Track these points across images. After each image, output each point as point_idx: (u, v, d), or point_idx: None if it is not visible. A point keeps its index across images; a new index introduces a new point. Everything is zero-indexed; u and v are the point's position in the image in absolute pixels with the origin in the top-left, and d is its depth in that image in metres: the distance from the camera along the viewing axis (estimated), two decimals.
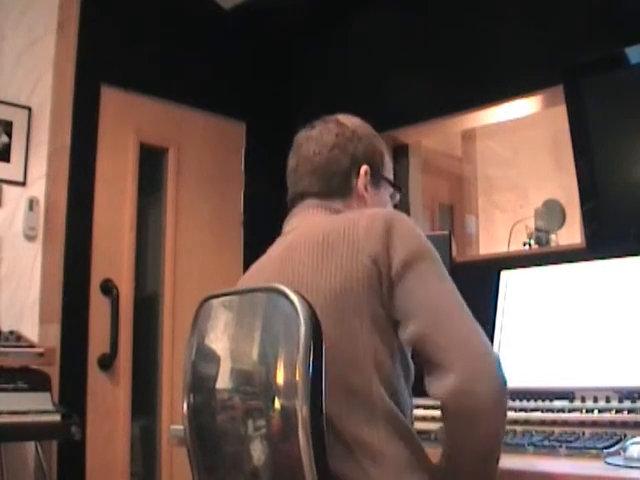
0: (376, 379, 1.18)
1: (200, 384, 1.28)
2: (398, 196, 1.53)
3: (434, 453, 1.25)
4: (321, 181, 1.44)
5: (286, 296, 1.13)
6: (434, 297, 1.19)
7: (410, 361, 1.28)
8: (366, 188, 1.43)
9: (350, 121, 1.48)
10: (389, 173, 1.50)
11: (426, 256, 1.22)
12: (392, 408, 1.19)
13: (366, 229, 1.23)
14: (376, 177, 1.46)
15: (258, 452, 1.15)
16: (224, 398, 1.23)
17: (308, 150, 1.47)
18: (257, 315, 1.22)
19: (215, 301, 1.30)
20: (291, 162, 1.54)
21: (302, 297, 1.13)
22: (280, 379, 1.12)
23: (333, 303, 1.20)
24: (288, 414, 1.09)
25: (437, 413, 1.88)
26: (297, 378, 1.07)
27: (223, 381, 1.25)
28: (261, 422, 1.14)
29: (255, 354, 1.20)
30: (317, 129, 1.47)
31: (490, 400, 1.12)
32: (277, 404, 1.11)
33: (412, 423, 1.28)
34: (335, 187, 1.42)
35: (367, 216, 1.27)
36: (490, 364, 1.14)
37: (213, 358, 1.27)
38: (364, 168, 1.43)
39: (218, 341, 1.28)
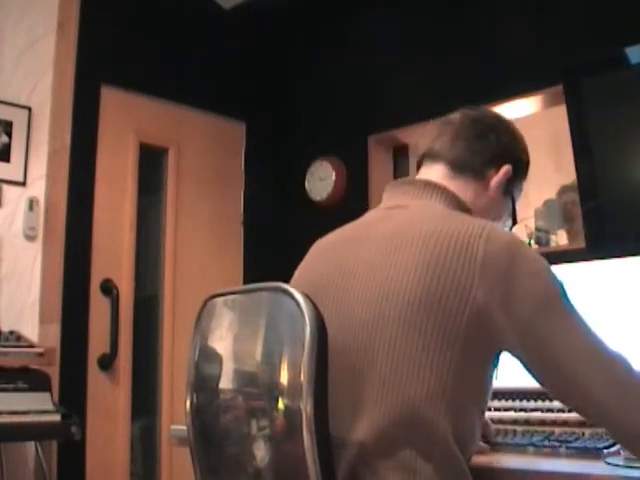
0: (444, 417, 1.09)
1: (203, 384, 1.28)
2: (511, 228, 1.41)
3: None
4: (462, 148, 1.32)
5: (291, 295, 1.11)
6: (566, 357, 1.09)
7: (489, 394, 1.21)
8: (497, 187, 1.33)
9: (512, 123, 1.41)
10: (517, 200, 1.40)
11: (554, 304, 1.11)
12: (451, 447, 1.10)
13: (485, 254, 1.11)
14: (507, 189, 1.35)
15: (261, 452, 1.15)
16: (227, 398, 1.23)
17: (461, 118, 1.36)
18: (261, 314, 1.20)
19: (219, 300, 1.29)
20: (435, 124, 1.41)
21: (307, 297, 1.10)
22: (284, 379, 1.10)
23: (428, 326, 1.09)
24: (292, 414, 1.08)
25: None
26: (302, 378, 1.06)
27: (226, 381, 1.24)
28: (264, 422, 1.14)
29: (259, 354, 1.19)
30: (477, 110, 1.39)
31: None
32: (281, 404, 1.10)
33: (470, 453, 1.19)
34: (475, 164, 1.32)
35: (487, 235, 1.12)
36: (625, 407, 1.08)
37: (216, 357, 1.27)
38: (507, 167, 1.33)
39: (222, 340, 1.27)
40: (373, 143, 3.38)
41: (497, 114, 1.42)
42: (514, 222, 1.42)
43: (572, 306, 1.13)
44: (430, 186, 1.30)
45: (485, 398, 1.19)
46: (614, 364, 1.11)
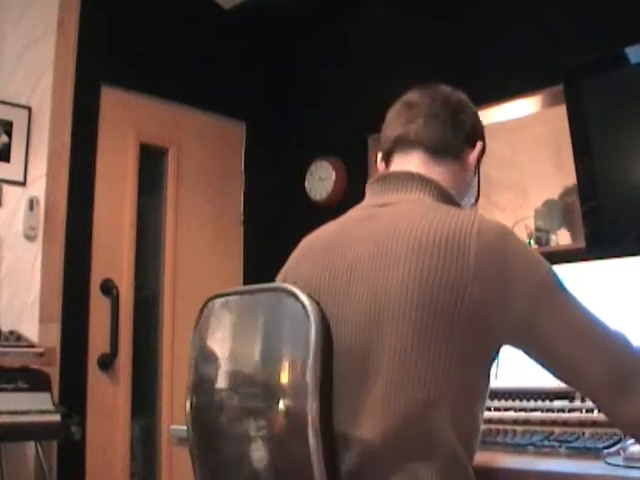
0: (447, 420, 1.08)
1: (203, 385, 1.28)
2: (475, 201, 1.41)
3: None
4: (440, 132, 1.29)
5: (295, 297, 1.10)
6: (567, 344, 1.10)
7: (488, 392, 1.20)
8: (474, 164, 1.33)
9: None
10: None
11: (551, 292, 1.11)
12: (456, 450, 1.09)
13: (477, 250, 1.09)
14: (478, 164, 1.36)
15: (260, 453, 1.14)
16: (226, 399, 1.22)
17: (429, 100, 1.32)
18: (263, 315, 1.20)
19: (219, 300, 1.28)
20: (398, 106, 1.37)
21: (312, 298, 1.09)
22: (288, 380, 1.10)
23: (421, 321, 1.08)
24: (296, 416, 1.07)
25: None
26: (307, 380, 1.05)
27: (226, 382, 1.23)
28: (263, 423, 1.13)
29: (260, 355, 1.18)
30: (438, 89, 1.36)
31: None
32: (282, 405, 1.10)
33: (474, 451, 1.17)
34: (453, 146, 1.29)
35: (478, 230, 1.11)
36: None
37: (216, 358, 1.26)
38: (480, 142, 1.34)
39: (222, 342, 1.26)
40: (373, 143, 3.38)
41: (456, 91, 1.39)
42: (478, 194, 1.41)
43: (567, 289, 1.14)
44: (415, 178, 1.26)
45: (486, 395, 1.19)
46: (614, 345, 1.12)
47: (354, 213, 1.30)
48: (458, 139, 1.31)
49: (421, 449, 1.08)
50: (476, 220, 1.13)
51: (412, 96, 1.36)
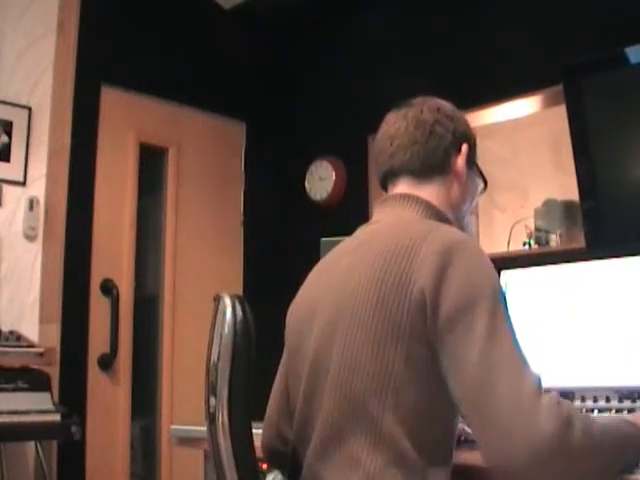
0: (391, 412, 1.11)
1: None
2: (484, 188, 1.46)
3: None
4: (421, 155, 1.36)
5: (223, 301, 1.18)
6: (477, 363, 1.06)
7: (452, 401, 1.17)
8: (463, 167, 1.38)
9: (445, 104, 1.44)
10: (477, 163, 1.45)
11: (479, 302, 1.10)
12: (402, 445, 1.11)
13: (425, 251, 1.15)
14: (470, 161, 1.41)
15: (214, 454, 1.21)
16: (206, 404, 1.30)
17: (404, 126, 1.39)
18: (214, 320, 1.28)
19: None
20: (382, 140, 1.44)
21: (237, 302, 1.16)
22: (214, 379, 1.17)
23: (374, 323, 1.15)
24: (215, 414, 1.13)
25: None
26: (217, 379, 1.12)
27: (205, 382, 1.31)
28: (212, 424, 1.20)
29: (212, 358, 1.26)
30: (411, 109, 1.41)
31: (533, 468, 1.03)
32: (214, 402, 1.16)
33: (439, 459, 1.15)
34: (436, 163, 1.36)
35: (432, 237, 1.18)
36: (526, 440, 1.02)
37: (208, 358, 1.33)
38: (465, 145, 1.39)
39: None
40: (373, 143, 3.37)
41: (429, 102, 1.43)
42: (485, 183, 1.46)
43: (499, 312, 1.11)
44: (400, 198, 1.36)
45: (449, 404, 1.14)
46: (524, 379, 1.07)
47: (356, 232, 1.40)
48: (440, 153, 1.37)
49: (364, 438, 1.12)
50: (436, 228, 1.21)
51: (390, 125, 1.42)
